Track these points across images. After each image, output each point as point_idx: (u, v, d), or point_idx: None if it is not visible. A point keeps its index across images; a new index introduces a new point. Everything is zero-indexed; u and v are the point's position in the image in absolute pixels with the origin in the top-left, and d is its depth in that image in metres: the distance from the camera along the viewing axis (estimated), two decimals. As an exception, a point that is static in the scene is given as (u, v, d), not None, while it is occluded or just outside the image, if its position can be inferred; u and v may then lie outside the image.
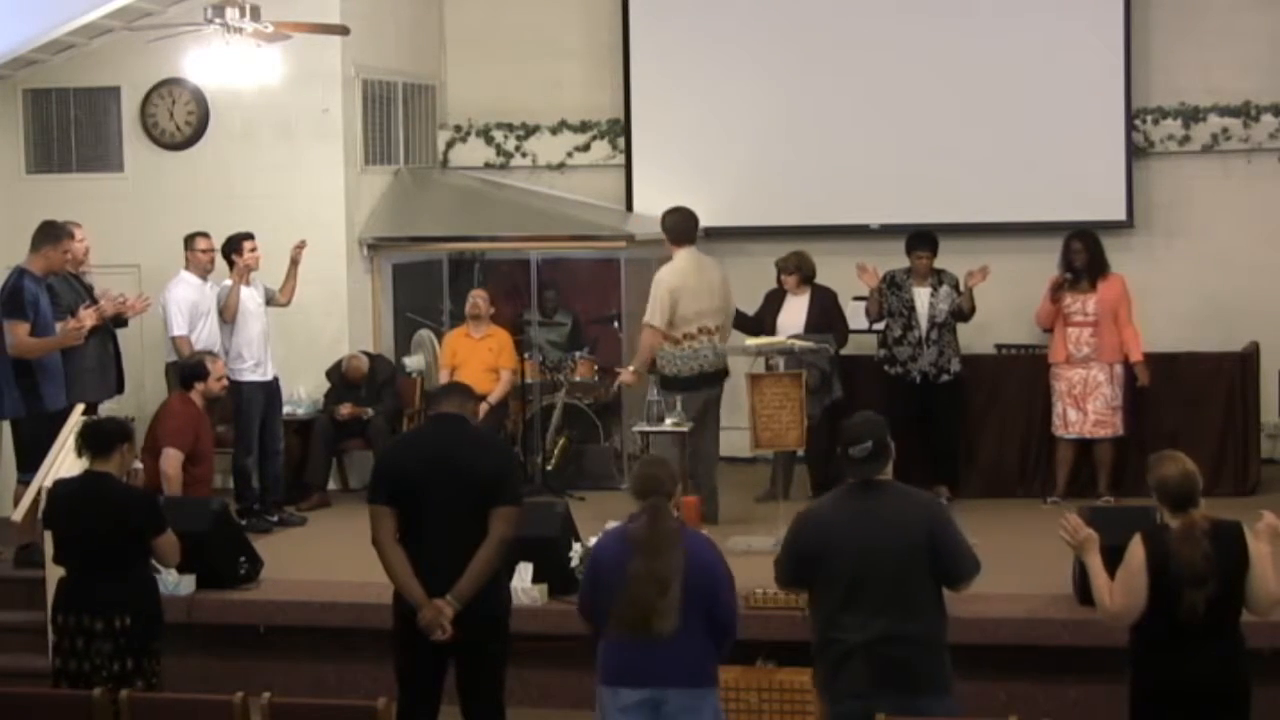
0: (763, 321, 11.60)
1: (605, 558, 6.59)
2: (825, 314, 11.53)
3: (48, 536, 7.98)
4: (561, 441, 12.57)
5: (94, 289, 10.47)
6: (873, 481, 6.26)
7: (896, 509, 6.22)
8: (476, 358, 12.13)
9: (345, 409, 12.17)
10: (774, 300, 11.75)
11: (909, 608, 6.12)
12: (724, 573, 6.52)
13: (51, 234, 10.07)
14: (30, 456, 9.76)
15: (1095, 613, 8.29)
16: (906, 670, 6.11)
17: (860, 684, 6.10)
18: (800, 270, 11.64)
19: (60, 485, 7.79)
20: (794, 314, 11.54)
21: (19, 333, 9.78)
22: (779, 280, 11.77)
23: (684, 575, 6.32)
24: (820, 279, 11.82)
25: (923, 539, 6.15)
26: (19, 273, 9.95)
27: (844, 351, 11.53)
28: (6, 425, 10.28)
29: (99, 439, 7.55)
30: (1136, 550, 6.20)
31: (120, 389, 10.60)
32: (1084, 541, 6.37)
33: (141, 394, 11.87)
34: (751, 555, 9.97)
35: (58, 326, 9.91)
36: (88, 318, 9.97)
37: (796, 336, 10.97)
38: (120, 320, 10.52)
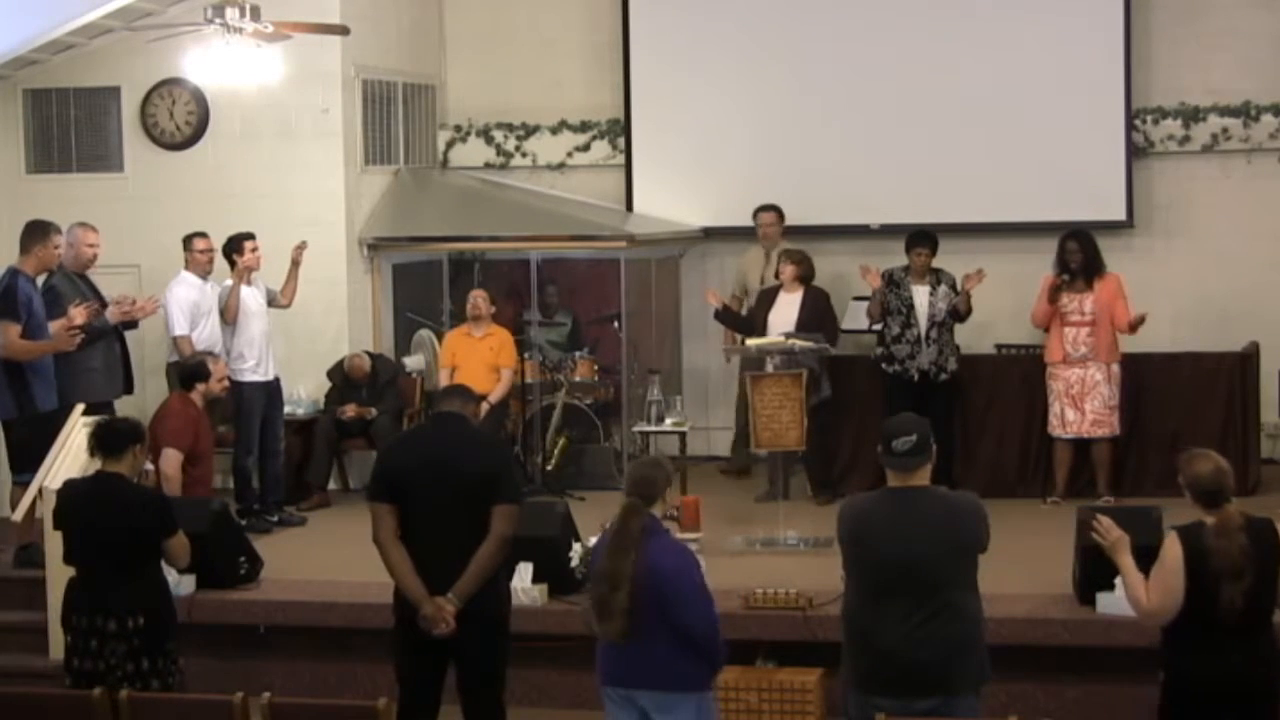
0: (755, 319, 11.62)
1: (595, 556, 6.62)
2: (816, 314, 11.53)
3: (57, 537, 7.89)
4: (561, 441, 12.57)
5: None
6: (912, 488, 6.22)
7: (934, 511, 6.20)
8: (477, 357, 12.12)
9: (350, 409, 12.16)
10: (766, 298, 11.76)
11: (943, 607, 6.12)
12: (686, 582, 6.33)
13: (39, 232, 9.99)
14: (24, 457, 9.73)
15: (1095, 613, 8.38)
16: (937, 670, 6.10)
17: (891, 683, 6.08)
18: (801, 264, 11.64)
19: (72, 486, 7.72)
20: (785, 312, 11.53)
21: (10, 334, 9.70)
22: (777, 270, 11.78)
23: (634, 580, 6.22)
24: (820, 278, 11.84)
25: (965, 539, 6.18)
26: (12, 273, 9.87)
27: (838, 351, 11.53)
28: (-1, 426, 10.26)
29: (112, 439, 7.50)
30: (1173, 548, 6.18)
31: (129, 389, 10.59)
32: (1116, 541, 6.40)
33: (142, 394, 11.84)
34: (750, 555, 10.00)
35: (52, 327, 9.86)
36: (78, 315, 9.89)
37: (787, 335, 10.97)
38: (129, 323, 10.50)
